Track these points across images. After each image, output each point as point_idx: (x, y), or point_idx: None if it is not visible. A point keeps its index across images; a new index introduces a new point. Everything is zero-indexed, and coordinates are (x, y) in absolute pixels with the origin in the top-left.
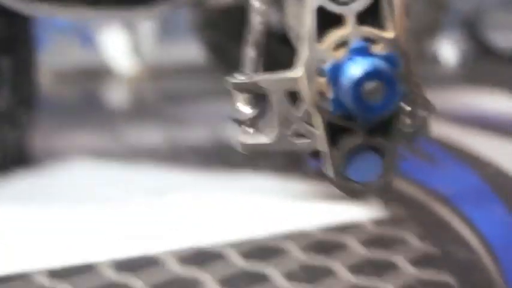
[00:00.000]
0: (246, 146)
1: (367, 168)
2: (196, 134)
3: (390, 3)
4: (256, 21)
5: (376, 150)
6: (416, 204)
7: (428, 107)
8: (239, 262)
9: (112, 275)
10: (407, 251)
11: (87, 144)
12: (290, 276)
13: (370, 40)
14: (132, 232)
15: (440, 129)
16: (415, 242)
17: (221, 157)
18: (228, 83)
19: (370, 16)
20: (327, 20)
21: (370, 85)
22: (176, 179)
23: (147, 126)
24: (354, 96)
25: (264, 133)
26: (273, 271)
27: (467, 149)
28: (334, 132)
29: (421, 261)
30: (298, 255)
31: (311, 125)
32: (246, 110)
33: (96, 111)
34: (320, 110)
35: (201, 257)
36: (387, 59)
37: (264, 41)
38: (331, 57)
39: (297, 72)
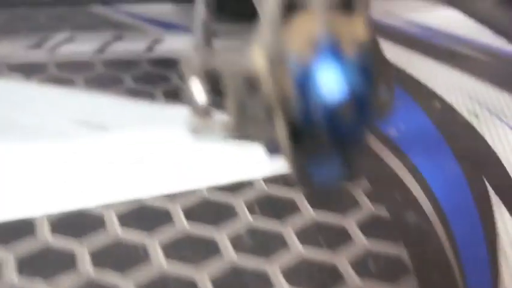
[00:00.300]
0: (199, 134)
1: (330, 169)
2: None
3: None
4: None
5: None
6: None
7: (390, 86)
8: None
9: None
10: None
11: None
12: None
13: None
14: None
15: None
16: (363, 201)
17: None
18: (181, 63)
19: None
20: None
21: (343, 107)
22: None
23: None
24: (323, 116)
25: (218, 119)
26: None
27: (407, 73)
28: (297, 129)
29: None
30: (182, 220)
31: (270, 115)
32: (200, 94)
33: None
34: (282, 108)
35: (73, 223)
36: (363, 65)
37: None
38: (297, 52)
39: (258, 58)
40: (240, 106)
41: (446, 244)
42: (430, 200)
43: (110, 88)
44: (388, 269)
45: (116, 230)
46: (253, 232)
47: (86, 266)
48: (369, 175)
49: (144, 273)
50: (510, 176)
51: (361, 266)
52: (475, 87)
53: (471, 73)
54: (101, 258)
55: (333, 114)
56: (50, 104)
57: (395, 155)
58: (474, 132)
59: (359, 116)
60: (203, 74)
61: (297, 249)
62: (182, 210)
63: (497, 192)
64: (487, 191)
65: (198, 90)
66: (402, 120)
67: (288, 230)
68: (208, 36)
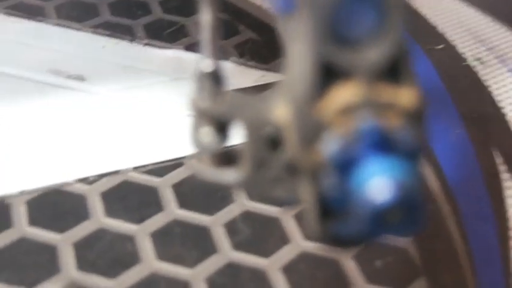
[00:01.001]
0: (204, 178)
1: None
2: None
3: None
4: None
5: None
6: None
7: None
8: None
9: None
10: None
11: None
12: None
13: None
14: None
15: None
16: None
17: None
18: (192, 104)
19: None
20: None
21: (391, 211)
22: None
23: None
24: (368, 220)
25: (232, 166)
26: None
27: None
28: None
29: None
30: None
31: (294, 173)
32: (209, 140)
33: None
34: (313, 182)
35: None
36: (410, 156)
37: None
38: (335, 131)
39: (283, 113)
40: (257, 161)
41: (452, 225)
42: (435, 173)
43: (85, 22)
44: (391, 258)
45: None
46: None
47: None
48: None
49: (132, 275)
50: None
51: (365, 264)
52: (481, 24)
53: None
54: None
55: (377, 218)
56: (20, 51)
57: None
58: (480, 86)
59: (409, 218)
60: (213, 117)
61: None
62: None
63: (507, 164)
64: (495, 163)
65: (207, 134)
66: None
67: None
68: (216, 56)
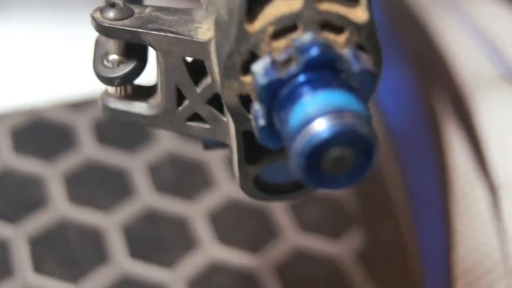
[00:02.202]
0: (110, 110)
1: (283, 170)
2: None
3: None
4: None
5: None
6: None
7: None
8: None
9: None
10: None
11: None
12: None
13: (328, 25)
14: None
15: None
16: None
17: None
18: (93, 20)
19: None
20: None
21: (334, 153)
22: None
23: None
24: (303, 165)
25: (143, 98)
26: None
27: None
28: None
29: None
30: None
31: (216, 107)
32: (116, 62)
33: None
34: (237, 116)
35: None
36: (358, 82)
37: None
38: (267, 53)
39: (205, 35)
40: (175, 92)
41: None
42: (376, 115)
43: None
44: (329, 218)
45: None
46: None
47: None
48: None
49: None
50: (463, 91)
51: (301, 214)
52: None
53: None
54: None
55: (311, 155)
56: None
57: None
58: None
59: (355, 157)
60: (123, 37)
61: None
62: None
63: (450, 114)
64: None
65: (112, 57)
66: None
67: None
68: None
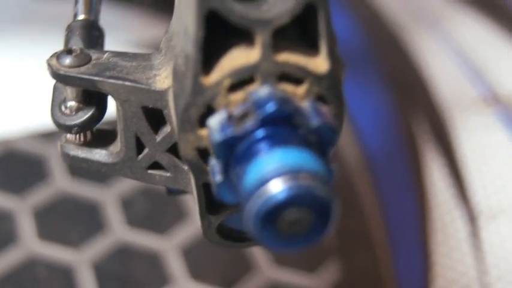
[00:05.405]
0: (71, 158)
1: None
2: None
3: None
4: None
5: None
6: None
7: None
8: None
9: None
10: None
11: None
12: None
13: (287, 77)
14: None
15: None
16: None
17: None
18: (49, 66)
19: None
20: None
21: (290, 214)
22: None
23: None
24: (259, 226)
25: (101, 145)
26: None
27: None
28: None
29: None
30: None
31: (176, 155)
32: (74, 110)
33: None
34: (196, 169)
35: None
36: (317, 137)
37: None
38: (223, 107)
39: (163, 84)
40: (134, 140)
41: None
42: (354, 141)
43: None
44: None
45: None
46: None
47: None
48: None
49: None
50: (442, 113)
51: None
52: None
53: None
54: None
55: (266, 218)
56: None
57: None
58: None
59: (312, 218)
60: (80, 85)
61: None
62: None
63: (429, 139)
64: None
65: (70, 104)
66: None
67: None
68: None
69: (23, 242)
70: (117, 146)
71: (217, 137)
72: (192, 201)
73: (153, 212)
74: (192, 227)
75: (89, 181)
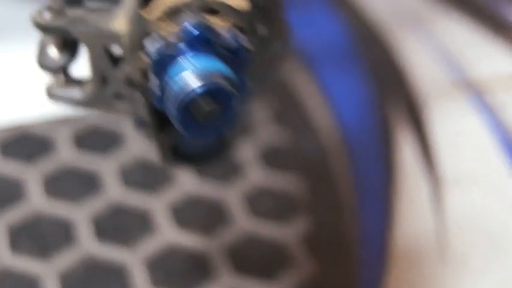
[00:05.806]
0: (54, 97)
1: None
2: None
3: None
4: None
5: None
6: None
7: (283, 41)
8: None
9: None
10: None
11: None
12: None
13: (212, 11)
14: None
15: None
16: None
17: None
18: (32, 20)
19: None
20: None
21: (204, 105)
22: None
23: None
24: (180, 117)
25: (78, 84)
26: None
27: None
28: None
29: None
30: None
31: (133, 86)
32: (54, 54)
33: None
34: (143, 90)
35: None
36: (234, 56)
37: None
38: (158, 33)
39: (119, 26)
40: (100, 76)
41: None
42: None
43: None
44: (279, 205)
45: None
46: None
47: None
48: (270, 96)
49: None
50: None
51: (253, 202)
52: None
53: None
54: None
55: (186, 108)
56: None
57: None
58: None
59: (221, 110)
60: (57, 33)
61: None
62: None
63: (404, 121)
64: (390, 120)
65: (51, 51)
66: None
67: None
68: None
69: None
70: (89, 86)
71: (153, 56)
72: (160, 216)
73: (121, 225)
74: (159, 239)
75: (62, 198)
